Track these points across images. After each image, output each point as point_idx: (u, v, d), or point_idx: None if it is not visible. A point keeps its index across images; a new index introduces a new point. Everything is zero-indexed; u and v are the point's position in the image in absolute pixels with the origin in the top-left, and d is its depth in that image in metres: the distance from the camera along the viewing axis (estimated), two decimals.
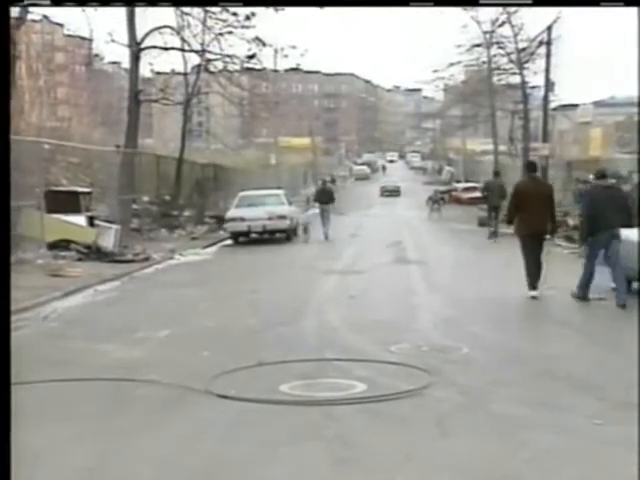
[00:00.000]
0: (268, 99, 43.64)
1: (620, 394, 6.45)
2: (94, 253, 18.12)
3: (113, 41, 27.21)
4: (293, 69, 42.89)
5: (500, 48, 40.80)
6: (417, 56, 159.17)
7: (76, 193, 20.31)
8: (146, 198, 27.00)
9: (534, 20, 51.20)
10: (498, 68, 42.54)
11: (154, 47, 27.97)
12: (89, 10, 24.99)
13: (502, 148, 47.08)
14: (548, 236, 12.83)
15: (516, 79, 40.30)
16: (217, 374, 7.16)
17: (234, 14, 27.45)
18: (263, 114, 42.09)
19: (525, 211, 11.99)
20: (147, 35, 27.26)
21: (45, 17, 49.85)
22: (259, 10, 27.19)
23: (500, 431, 5.65)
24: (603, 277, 11.52)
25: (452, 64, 44.21)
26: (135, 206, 25.06)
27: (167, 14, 55.60)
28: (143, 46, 27.30)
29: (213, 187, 34.77)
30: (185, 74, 33.42)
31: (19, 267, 14.25)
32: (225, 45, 28.60)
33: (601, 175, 11.93)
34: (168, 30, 28.02)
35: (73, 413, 6.34)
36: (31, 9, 20.62)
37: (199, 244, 23.30)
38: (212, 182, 34.95)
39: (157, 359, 8.23)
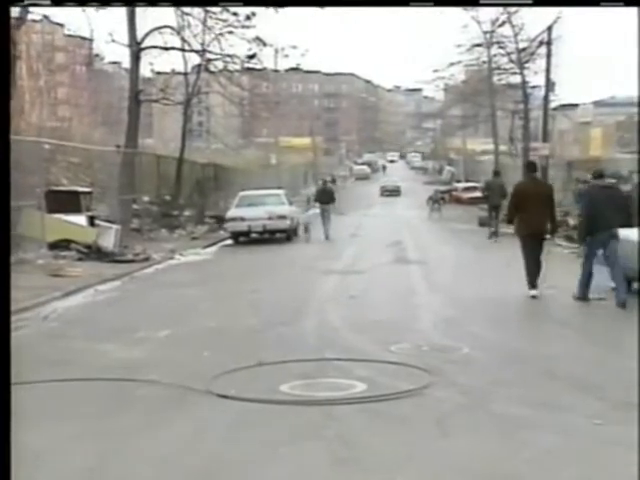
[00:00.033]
0: (268, 99, 43.68)
1: (620, 394, 6.45)
2: (94, 253, 18.12)
3: (113, 41, 27.27)
4: (293, 69, 42.91)
5: (500, 48, 40.86)
6: (417, 56, 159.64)
7: (76, 193, 20.31)
8: (146, 198, 27.00)
9: (534, 20, 51.40)
10: (498, 68, 42.57)
11: (154, 47, 28.00)
12: (89, 10, 25.07)
13: (502, 148, 47.10)
14: (548, 236, 12.85)
15: (516, 79, 40.36)
16: (217, 374, 7.16)
17: (234, 14, 27.51)
18: (263, 114, 42.12)
19: (525, 211, 12.01)
20: (147, 35, 27.29)
21: (45, 17, 49.86)
22: (259, 10, 27.26)
23: (500, 431, 5.65)
24: (603, 277, 11.52)
25: (452, 64, 44.34)
26: (135, 206, 25.07)
27: (167, 14, 55.64)
28: (143, 46, 27.31)
29: (213, 187, 34.78)
30: (185, 74, 33.42)
31: (19, 267, 14.26)
32: (225, 45, 28.68)
33: (599, 175, 11.95)
34: (168, 30, 28.07)
35: (73, 413, 6.34)
36: (31, 9, 20.65)
37: (199, 244, 23.31)
38: (212, 182, 34.95)
39: (157, 359, 8.23)
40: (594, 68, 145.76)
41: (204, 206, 31.74)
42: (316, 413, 6.13)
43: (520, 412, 6.06)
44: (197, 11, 28.13)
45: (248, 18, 27.43)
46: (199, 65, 31.53)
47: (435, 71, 45.98)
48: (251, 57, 29.00)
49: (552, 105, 38.35)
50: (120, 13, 26.84)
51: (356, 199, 52.83)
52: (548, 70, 31.40)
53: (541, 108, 34.52)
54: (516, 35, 38.37)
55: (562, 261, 16.09)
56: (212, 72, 31.06)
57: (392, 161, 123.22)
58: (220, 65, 30.17)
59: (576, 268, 12.08)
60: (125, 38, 26.89)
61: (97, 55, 52.04)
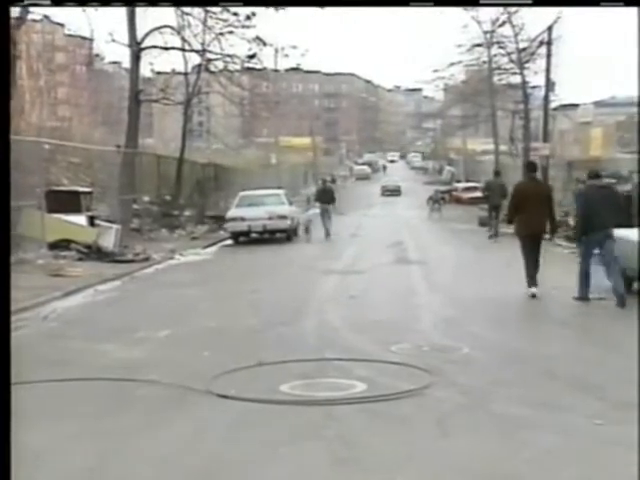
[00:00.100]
0: (268, 99, 43.66)
1: (620, 394, 6.45)
2: (94, 253, 18.12)
3: (114, 41, 27.28)
4: (293, 69, 42.97)
5: (501, 48, 40.84)
6: (417, 56, 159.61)
7: (77, 193, 20.31)
8: (146, 198, 27.00)
9: (534, 20, 51.32)
10: (499, 68, 42.56)
11: (154, 47, 28.00)
12: (89, 10, 25.01)
13: (503, 148, 47.08)
14: (548, 236, 12.86)
15: (517, 79, 40.33)
16: (217, 374, 7.17)
17: (234, 14, 27.51)
18: (264, 114, 42.10)
19: (524, 211, 12.04)
20: (147, 35, 27.30)
21: (46, 17, 49.98)
22: (259, 10, 27.27)
23: (500, 431, 5.65)
24: (603, 277, 11.51)
25: (452, 64, 44.31)
26: (135, 206, 25.07)
27: (167, 14, 55.77)
28: (143, 46, 27.31)
29: (213, 187, 34.76)
30: (185, 74, 33.42)
31: (19, 267, 14.26)
32: (226, 45, 28.68)
33: (595, 175, 11.98)
34: (168, 30, 28.07)
35: (73, 413, 6.34)
36: (31, 9, 20.64)
37: (199, 244, 23.30)
38: (212, 182, 34.94)
39: (157, 359, 8.23)
40: (594, 68, 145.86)
41: (204, 206, 31.73)
42: (316, 413, 6.13)
43: (520, 412, 6.06)
44: (197, 11, 28.19)
45: (248, 18, 27.46)
46: (199, 65, 31.52)
47: (435, 71, 46.02)
48: (251, 57, 29.01)
49: (552, 105, 38.33)
50: (120, 13, 26.90)
51: (356, 199, 52.83)
52: (548, 70, 31.36)
53: (541, 108, 34.48)
54: (516, 35, 38.38)
55: (562, 261, 16.09)
56: (212, 72, 31.06)
57: (392, 161, 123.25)
58: (220, 65, 30.21)
59: (576, 268, 12.05)
60: (125, 38, 26.96)
61: (97, 55, 52.12)
